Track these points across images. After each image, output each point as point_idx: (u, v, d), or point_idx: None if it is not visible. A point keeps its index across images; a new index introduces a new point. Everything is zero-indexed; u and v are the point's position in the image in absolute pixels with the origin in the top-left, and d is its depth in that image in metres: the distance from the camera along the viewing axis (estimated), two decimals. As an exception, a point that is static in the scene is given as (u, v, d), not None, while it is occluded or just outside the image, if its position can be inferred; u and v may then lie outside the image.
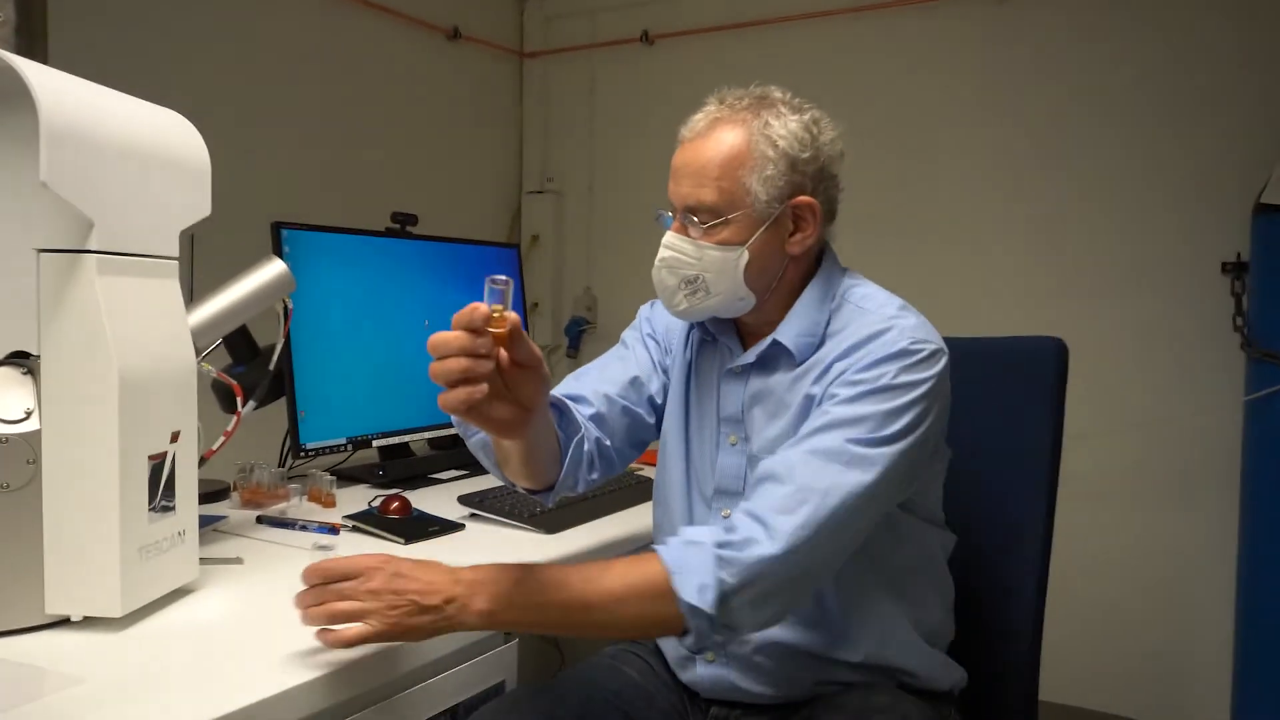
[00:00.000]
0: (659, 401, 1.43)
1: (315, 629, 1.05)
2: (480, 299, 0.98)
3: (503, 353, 1.00)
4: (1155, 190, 2.74)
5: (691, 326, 1.42)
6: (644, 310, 1.50)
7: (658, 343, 1.45)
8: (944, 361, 1.20)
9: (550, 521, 1.70)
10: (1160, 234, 2.74)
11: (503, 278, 0.98)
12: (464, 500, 1.82)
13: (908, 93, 3.03)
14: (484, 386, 0.95)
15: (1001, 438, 1.48)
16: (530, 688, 1.29)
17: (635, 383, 1.41)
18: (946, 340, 1.28)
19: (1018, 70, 2.87)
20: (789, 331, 1.28)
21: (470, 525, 1.72)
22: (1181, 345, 2.71)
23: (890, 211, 3.05)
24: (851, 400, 1.17)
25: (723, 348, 1.37)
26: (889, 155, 3.05)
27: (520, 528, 1.70)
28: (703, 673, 1.35)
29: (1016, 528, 1.45)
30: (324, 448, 1.93)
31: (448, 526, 1.69)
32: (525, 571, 1.08)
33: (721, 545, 1.10)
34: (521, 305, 2.49)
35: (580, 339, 3.47)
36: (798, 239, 1.27)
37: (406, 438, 2.12)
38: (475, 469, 2.16)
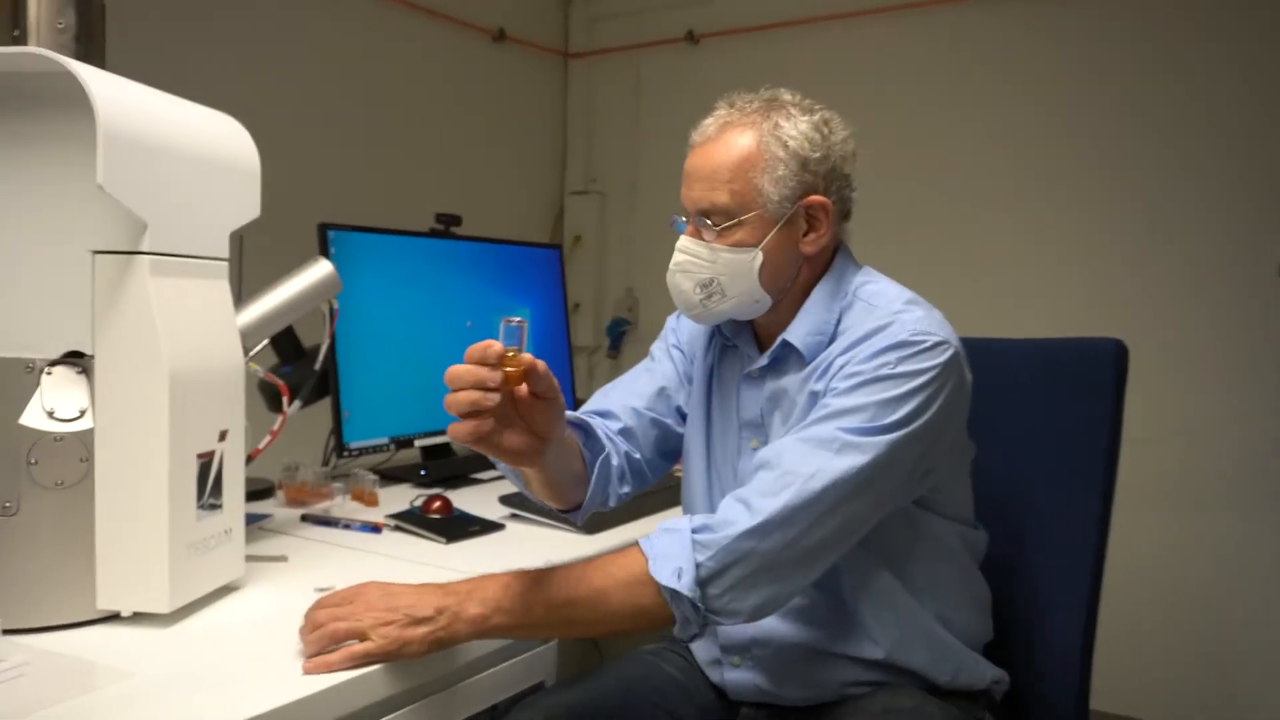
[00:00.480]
0: (686, 411, 1.43)
1: (314, 662, 1.05)
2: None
3: (521, 386, 1.03)
4: (1208, 194, 2.70)
5: (713, 333, 1.42)
6: (670, 321, 1.50)
7: (683, 352, 1.45)
8: (950, 353, 1.18)
9: (590, 522, 1.69)
10: (1213, 237, 2.69)
11: (517, 319, 1.01)
12: (505, 500, 1.83)
13: (959, 90, 3.00)
14: (490, 421, 1.00)
15: (1057, 441, 1.46)
16: (572, 687, 1.29)
17: (663, 394, 1.42)
18: (998, 342, 1.27)
19: (1071, 72, 2.84)
20: (798, 331, 1.28)
21: (510, 525, 1.73)
22: (1234, 349, 2.67)
23: (941, 213, 3.03)
24: (848, 391, 1.16)
25: (741, 353, 1.37)
26: (938, 153, 3.03)
27: (560, 528, 1.70)
28: (730, 676, 1.36)
29: (1069, 532, 1.43)
30: (367, 447, 1.95)
31: (488, 526, 1.70)
32: (514, 576, 1.10)
33: (699, 530, 1.10)
34: (563, 306, 2.51)
35: (621, 340, 3.48)
36: (811, 239, 1.27)
37: (448, 438, 2.13)
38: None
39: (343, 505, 1.82)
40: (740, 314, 1.29)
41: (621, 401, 1.40)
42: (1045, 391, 1.47)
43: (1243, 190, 2.66)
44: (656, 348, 1.49)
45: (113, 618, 1.16)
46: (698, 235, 1.26)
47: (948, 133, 3.03)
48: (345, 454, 1.89)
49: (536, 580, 1.10)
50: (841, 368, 1.20)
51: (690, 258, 1.26)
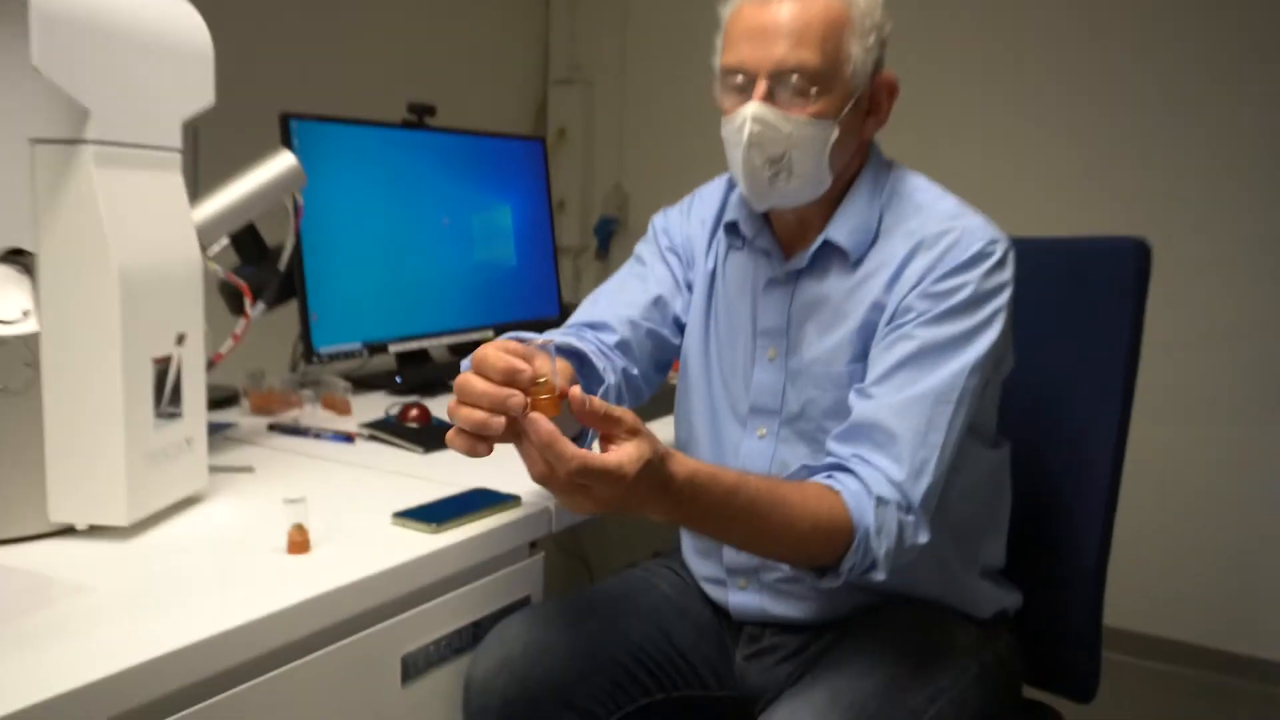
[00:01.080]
0: (684, 321, 1.41)
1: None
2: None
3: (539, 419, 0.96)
4: (1249, 92, 2.66)
5: (714, 233, 1.39)
6: (657, 221, 1.46)
7: (679, 257, 1.42)
8: (1013, 259, 1.21)
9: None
10: (1255, 138, 2.66)
11: (550, 342, 1.00)
12: None
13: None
14: (491, 446, 0.97)
15: (1076, 343, 1.45)
16: (560, 600, 1.30)
17: (659, 303, 1.39)
18: (1018, 241, 1.25)
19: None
20: (842, 229, 1.25)
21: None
22: (1265, 252, 2.65)
23: (956, 106, 2.98)
24: (937, 320, 1.17)
25: (757, 253, 1.34)
26: (953, 42, 2.97)
27: None
28: (735, 599, 1.37)
29: (1084, 439, 1.43)
30: (338, 353, 1.94)
31: None
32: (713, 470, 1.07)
33: (906, 509, 1.13)
34: (547, 204, 2.48)
35: (610, 240, 3.45)
36: (871, 123, 1.25)
37: (425, 343, 2.12)
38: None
39: (313, 414, 1.82)
40: (796, 198, 1.24)
41: (615, 312, 1.37)
42: (1064, 292, 1.46)
43: (1276, 85, 2.61)
44: (645, 251, 1.44)
45: (68, 531, 1.16)
46: (768, 101, 1.19)
47: (963, 21, 2.96)
48: (314, 360, 1.88)
49: (737, 481, 1.07)
50: (916, 284, 1.19)
51: (764, 128, 1.18)
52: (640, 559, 1.53)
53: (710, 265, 1.38)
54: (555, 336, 1.25)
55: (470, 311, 2.24)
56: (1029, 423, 1.46)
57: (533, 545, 1.39)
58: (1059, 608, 1.43)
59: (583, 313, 1.39)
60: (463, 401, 0.97)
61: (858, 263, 1.25)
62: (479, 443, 0.98)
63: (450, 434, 0.99)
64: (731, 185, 1.40)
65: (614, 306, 1.38)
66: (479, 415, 0.95)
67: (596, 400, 0.94)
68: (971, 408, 1.17)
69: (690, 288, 1.41)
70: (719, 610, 1.40)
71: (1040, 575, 1.44)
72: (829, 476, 1.14)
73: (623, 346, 1.35)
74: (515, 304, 2.37)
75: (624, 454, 0.93)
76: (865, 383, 1.19)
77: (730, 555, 1.36)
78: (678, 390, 1.43)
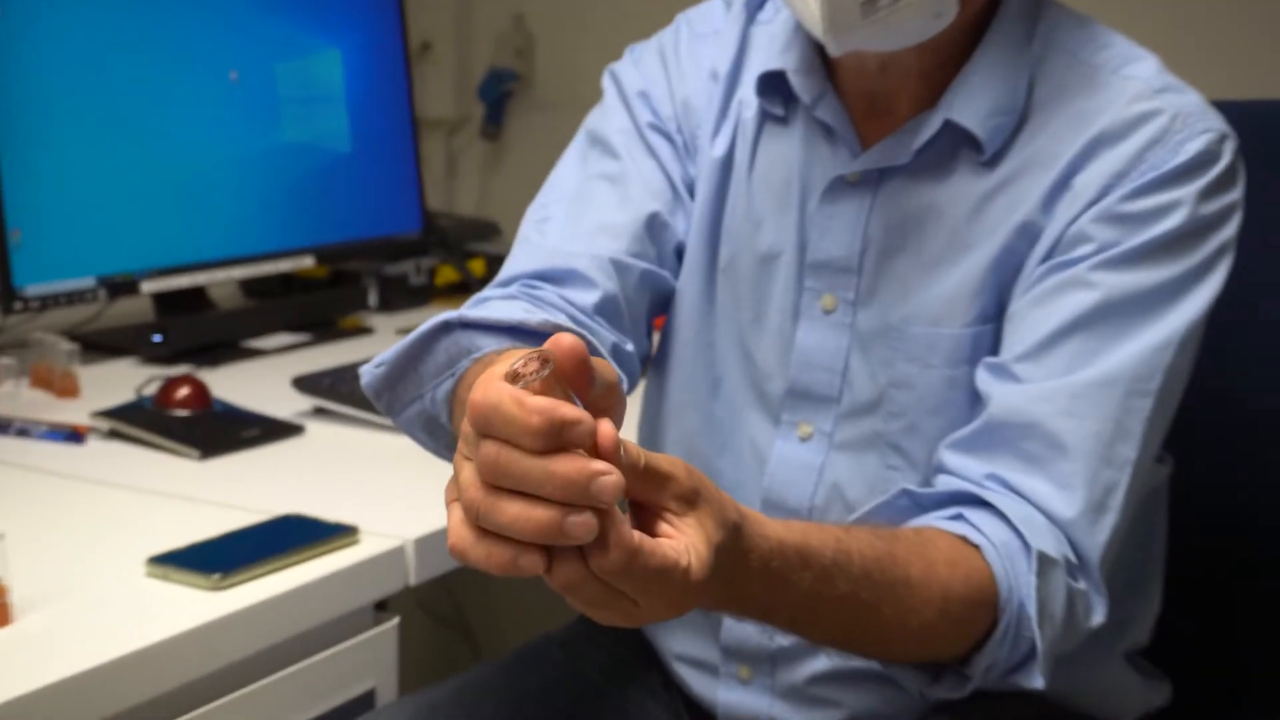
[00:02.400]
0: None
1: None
2: None
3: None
4: None
5: (731, 94, 1.39)
6: (625, 75, 1.44)
7: (671, 137, 1.41)
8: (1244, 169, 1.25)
9: None
10: None
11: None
12: (303, 385, 1.82)
13: None
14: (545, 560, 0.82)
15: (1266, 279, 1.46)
16: (426, 697, 1.32)
17: (653, 226, 1.37)
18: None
19: None
20: (970, 103, 1.26)
21: (314, 426, 1.76)
22: None
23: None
24: (1130, 260, 1.19)
25: (812, 133, 1.34)
26: None
27: (400, 432, 1.66)
28: (727, 697, 1.36)
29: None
30: (55, 294, 1.94)
31: (274, 429, 1.72)
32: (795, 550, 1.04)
33: (1073, 593, 1.16)
34: (402, 50, 2.44)
35: (504, 106, 3.38)
36: None
37: (202, 277, 2.13)
38: (323, 333, 2.22)
39: (15, 395, 1.82)
40: (902, 36, 1.24)
41: (585, 248, 1.32)
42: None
43: None
44: (615, 128, 1.41)
45: None
46: None
47: None
48: (16, 307, 1.90)
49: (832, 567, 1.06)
50: (1094, 202, 1.21)
51: None
52: (556, 624, 1.52)
53: (721, 150, 1.38)
54: (513, 312, 1.19)
55: (275, 227, 2.24)
56: (1200, 425, 1.43)
57: (381, 606, 1.40)
58: (1228, 708, 1.46)
59: (526, 254, 1.33)
60: (497, 474, 0.81)
61: (995, 159, 1.26)
62: (530, 552, 0.83)
63: (464, 535, 0.84)
64: (753, 10, 1.39)
65: (579, 237, 1.34)
66: (543, 515, 0.79)
67: (633, 445, 0.84)
68: (1176, 401, 1.21)
69: (692, 191, 1.39)
70: (694, 711, 1.40)
71: (1203, 659, 1.46)
72: (956, 517, 1.14)
73: (607, 310, 1.29)
74: (349, 213, 2.37)
75: (689, 541, 0.86)
76: (1006, 355, 1.21)
77: (736, 628, 1.36)
78: (657, 353, 1.43)
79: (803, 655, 1.32)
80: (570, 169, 1.41)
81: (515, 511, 0.77)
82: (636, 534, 0.81)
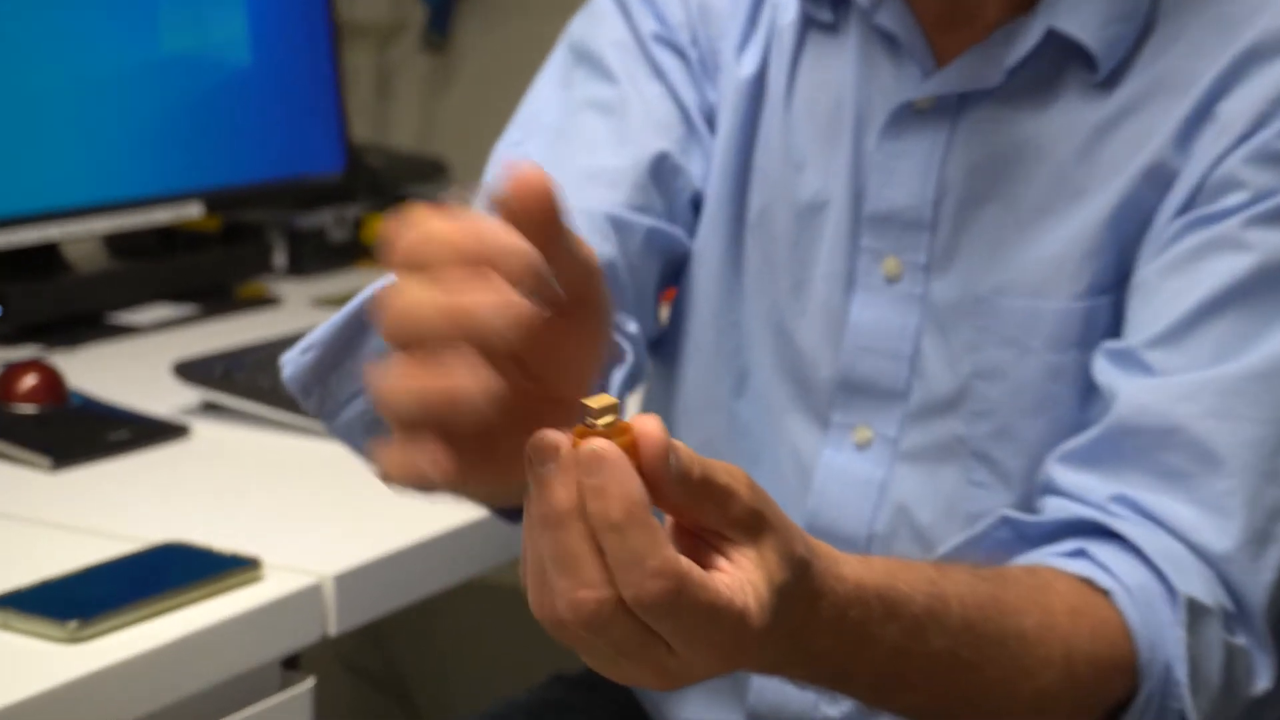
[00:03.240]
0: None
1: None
2: None
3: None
4: None
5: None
6: None
7: (683, 54, 1.43)
8: None
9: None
10: None
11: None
12: (189, 372, 1.82)
13: None
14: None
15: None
16: None
17: (661, 170, 1.39)
18: None
19: None
20: (1080, 6, 1.27)
21: (202, 427, 1.76)
22: None
23: None
24: None
25: (872, 47, 1.36)
26: None
27: (301, 433, 1.73)
28: None
29: None
30: None
31: (148, 431, 1.72)
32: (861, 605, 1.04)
33: (1232, 650, 1.17)
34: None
35: (452, 6, 3.38)
36: None
37: (53, 231, 2.13)
38: (214, 304, 2.23)
39: None
40: None
41: (574, 201, 1.31)
42: None
43: None
44: (610, 38, 1.44)
45: None
46: None
47: None
48: None
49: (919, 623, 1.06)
50: (1246, 137, 1.22)
51: None
52: (519, 687, 1.55)
53: (750, 68, 1.40)
54: None
55: (149, 165, 2.25)
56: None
57: (292, 663, 1.42)
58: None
59: None
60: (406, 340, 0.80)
61: (1112, 80, 1.28)
62: (446, 458, 0.81)
63: (385, 457, 0.82)
64: None
65: (564, 187, 1.33)
66: (457, 384, 0.78)
67: (685, 449, 0.84)
68: None
69: (712, 124, 1.41)
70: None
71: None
72: (1077, 554, 1.15)
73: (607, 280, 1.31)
74: (249, 147, 2.38)
75: (747, 578, 0.87)
76: (1135, 338, 1.22)
77: (769, 690, 1.37)
78: (666, 344, 1.45)
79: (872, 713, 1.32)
80: (549, 94, 1.43)
81: (390, 392, 0.76)
82: (684, 559, 0.81)
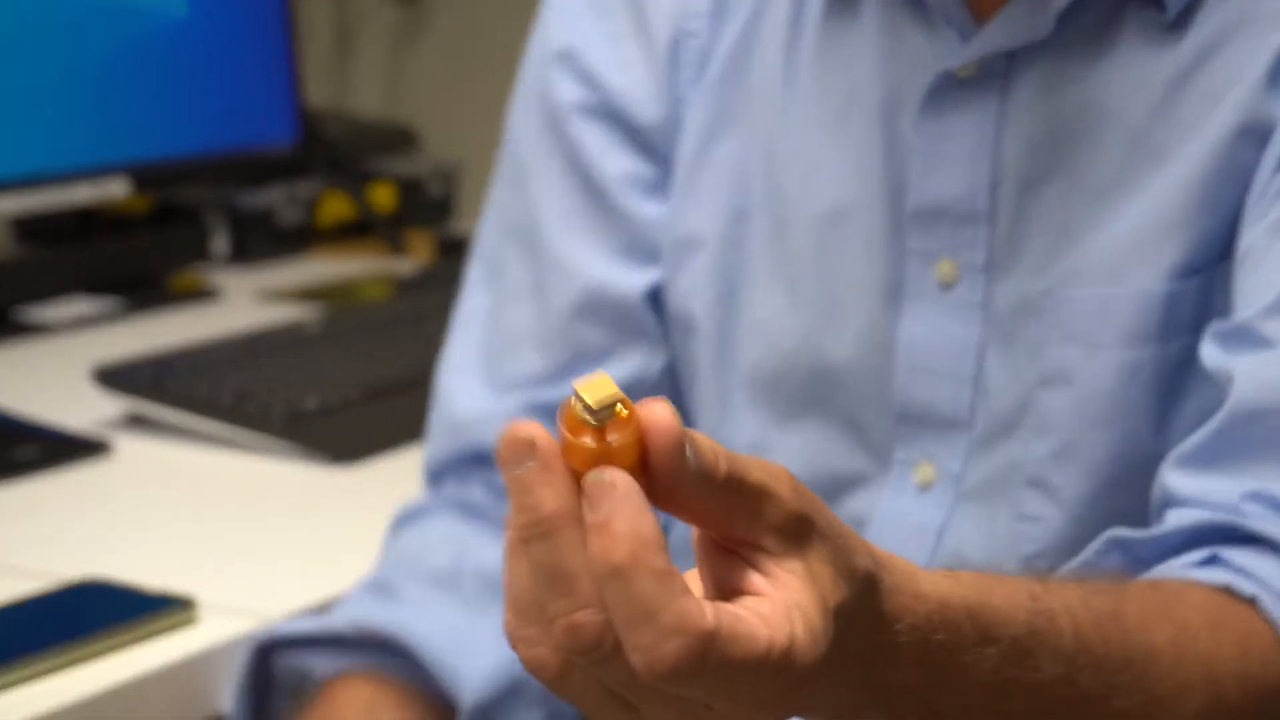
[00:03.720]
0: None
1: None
2: None
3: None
4: None
5: None
6: (545, 68, 1.48)
7: (650, 142, 1.46)
8: None
9: (342, 443, 1.78)
10: None
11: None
12: (112, 379, 1.83)
13: None
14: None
15: None
16: None
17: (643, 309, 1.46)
18: None
19: None
20: None
21: (126, 443, 1.77)
22: None
23: None
24: None
25: (893, 11, 1.36)
26: None
27: (227, 451, 1.76)
28: None
29: None
30: None
31: (62, 448, 1.74)
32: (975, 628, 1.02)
33: None
34: None
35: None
36: None
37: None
38: (143, 297, 2.24)
39: None
40: None
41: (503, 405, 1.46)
42: None
43: None
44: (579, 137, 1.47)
45: None
46: None
47: None
48: None
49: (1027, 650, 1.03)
50: None
51: None
52: None
53: (724, 58, 1.42)
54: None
55: (68, 135, 2.25)
56: None
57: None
58: None
59: (435, 427, 1.50)
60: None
61: (1183, 20, 1.28)
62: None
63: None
64: None
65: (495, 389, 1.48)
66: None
67: (706, 441, 0.82)
68: None
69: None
70: None
71: None
72: (1209, 561, 1.13)
73: None
74: (185, 114, 2.38)
75: (793, 600, 0.84)
76: (1247, 312, 1.22)
77: None
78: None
79: None
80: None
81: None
82: (709, 606, 0.78)
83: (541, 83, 1.48)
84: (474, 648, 1.34)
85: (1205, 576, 1.11)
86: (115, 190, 2.25)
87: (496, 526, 1.28)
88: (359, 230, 2.53)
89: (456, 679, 1.32)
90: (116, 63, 2.29)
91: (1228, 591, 1.10)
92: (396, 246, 2.51)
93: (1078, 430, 1.28)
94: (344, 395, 1.82)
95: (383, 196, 2.49)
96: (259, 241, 2.42)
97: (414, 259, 2.47)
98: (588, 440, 0.80)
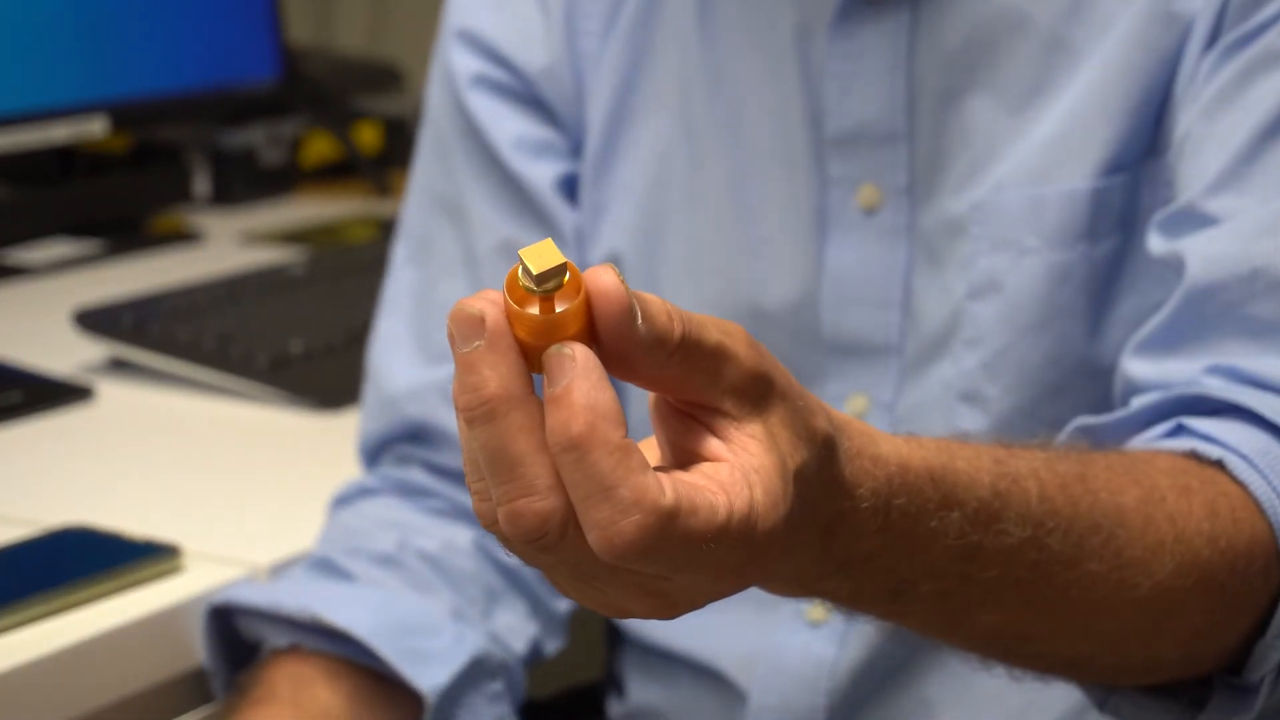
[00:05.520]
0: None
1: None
2: None
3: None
4: None
5: None
6: (459, 64, 1.50)
7: (543, 102, 1.49)
8: None
9: (325, 381, 1.78)
10: None
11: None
12: (92, 322, 1.82)
13: None
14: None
15: None
16: None
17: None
18: None
19: None
20: None
21: (109, 388, 1.77)
22: None
23: None
24: None
25: None
26: None
27: (216, 396, 1.75)
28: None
29: None
30: None
31: (44, 392, 1.74)
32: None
33: None
34: None
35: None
36: None
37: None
38: (123, 240, 2.24)
39: None
40: None
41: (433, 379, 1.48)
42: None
43: None
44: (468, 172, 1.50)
45: None
46: None
47: None
48: None
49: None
50: None
51: None
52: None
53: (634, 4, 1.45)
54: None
55: (43, 72, 2.23)
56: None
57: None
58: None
59: (369, 402, 1.50)
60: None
61: None
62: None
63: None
64: None
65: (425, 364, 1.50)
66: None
67: (658, 303, 0.81)
68: None
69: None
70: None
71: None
72: (1175, 433, 1.14)
73: None
74: (163, 51, 2.36)
75: (752, 465, 0.83)
76: (1191, 193, 1.22)
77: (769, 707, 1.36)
78: None
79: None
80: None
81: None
82: (666, 480, 0.77)
83: (445, 59, 1.50)
84: (427, 635, 1.34)
85: (1171, 445, 1.12)
86: (94, 129, 2.24)
87: (437, 510, 1.38)
88: (343, 171, 2.52)
89: (415, 672, 1.31)
90: (95, -1, 2.28)
91: (1194, 456, 1.11)
92: (381, 187, 2.49)
93: (1009, 338, 1.29)
94: (328, 339, 1.81)
95: (367, 136, 2.48)
96: (241, 182, 2.41)
97: (400, 200, 2.46)
98: (533, 310, 0.79)
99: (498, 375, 0.76)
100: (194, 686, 1.36)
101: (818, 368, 1.35)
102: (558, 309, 0.79)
